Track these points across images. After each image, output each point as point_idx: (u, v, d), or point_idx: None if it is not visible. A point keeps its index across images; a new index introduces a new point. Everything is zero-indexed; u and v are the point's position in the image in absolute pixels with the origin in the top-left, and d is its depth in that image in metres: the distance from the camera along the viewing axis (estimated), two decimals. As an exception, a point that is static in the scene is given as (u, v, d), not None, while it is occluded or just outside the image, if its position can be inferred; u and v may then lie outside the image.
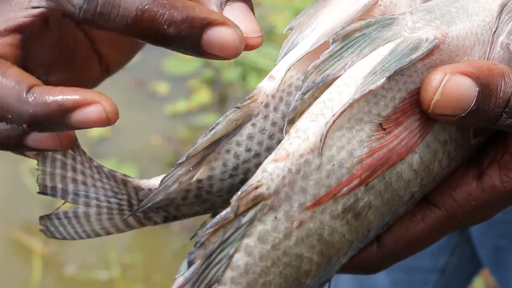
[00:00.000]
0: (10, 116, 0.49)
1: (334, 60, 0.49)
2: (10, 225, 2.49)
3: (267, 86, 0.51)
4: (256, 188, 0.47)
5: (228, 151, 0.51)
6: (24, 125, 0.49)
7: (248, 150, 0.51)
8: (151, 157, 2.78)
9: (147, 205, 0.51)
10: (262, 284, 0.48)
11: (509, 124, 0.50)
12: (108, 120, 0.50)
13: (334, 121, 0.47)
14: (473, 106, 0.48)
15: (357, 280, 1.03)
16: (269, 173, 0.47)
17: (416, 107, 0.50)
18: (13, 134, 0.53)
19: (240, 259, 0.47)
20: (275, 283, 0.48)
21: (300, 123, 0.48)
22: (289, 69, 0.51)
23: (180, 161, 0.50)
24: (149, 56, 3.26)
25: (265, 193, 0.47)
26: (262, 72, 3.00)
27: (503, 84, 0.49)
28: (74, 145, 0.54)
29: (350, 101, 0.47)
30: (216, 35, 0.49)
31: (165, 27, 0.48)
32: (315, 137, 0.47)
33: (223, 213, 0.46)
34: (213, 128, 0.50)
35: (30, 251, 2.39)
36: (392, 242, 0.55)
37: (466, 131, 0.53)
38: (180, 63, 3.24)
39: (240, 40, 0.49)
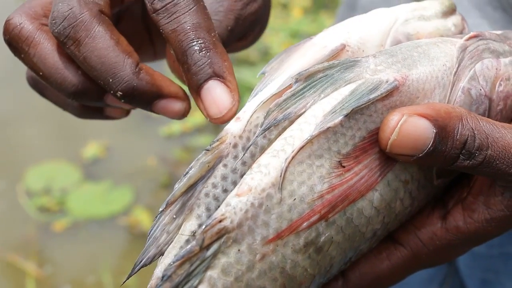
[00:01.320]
0: (110, 80, 0.53)
1: (296, 99, 0.50)
2: (4, 247, 2.48)
3: (234, 127, 0.52)
4: (220, 221, 0.48)
5: (207, 195, 0.51)
6: (119, 93, 0.54)
7: (225, 190, 0.51)
8: (146, 178, 2.78)
9: (141, 263, 0.52)
10: None
11: (467, 165, 0.50)
12: (183, 116, 0.57)
13: (293, 156, 0.49)
14: (430, 147, 0.49)
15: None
16: (232, 206, 0.48)
17: (376, 146, 0.51)
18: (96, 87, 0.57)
19: None
20: None
21: (262, 159, 0.49)
22: (255, 111, 0.52)
23: (160, 209, 0.51)
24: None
25: (228, 226, 0.48)
26: (257, 93, 3.00)
27: (460, 126, 0.50)
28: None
29: (308, 137, 0.49)
30: (215, 88, 0.54)
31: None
32: (276, 172, 0.49)
33: (188, 246, 0.47)
34: (187, 173, 0.51)
35: (24, 273, 2.38)
36: (357, 279, 0.56)
37: (428, 171, 0.54)
38: (176, 83, 3.25)
39: (229, 110, 0.54)
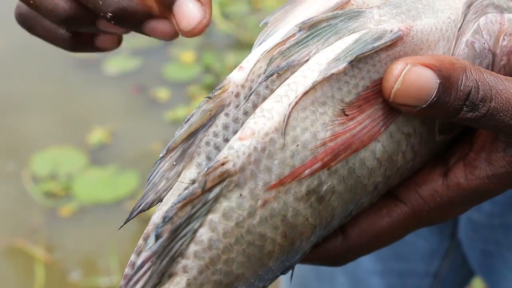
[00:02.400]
0: (100, 2, 0.53)
1: (300, 47, 0.50)
2: (12, 232, 2.50)
3: (236, 76, 0.52)
4: (223, 164, 0.47)
5: (207, 143, 0.51)
6: (109, 14, 0.54)
7: (226, 140, 0.51)
8: (151, 163, 2.78)
9: (139, 208, 0.52)
10: (225, 261, 0.48)
11: (470, 117, 0.50)
12: (172, 37, 0.56)
13: (296, 102, 0.48)
14: (433, 98, 0.49)
15: (352, 285, 1.03)
16: (235, 150, 0.48)
17: (379, 97, 0.50)
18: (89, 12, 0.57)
19: (203, 234, 0.48)
20: (238, 261, 0.49)
21: (266, 104, 0.49)
22: (258, 60, 0.51)
23: (161, 155, 0.50)
24: (149, 62, 3.28)
25: (231, 169, 0.47)
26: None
27: (464, 78, 0.49)
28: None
29: (312, 83, 0.48)
30: (186, 2, 0.54)
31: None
32: (279, 117, 0.48)
33: (190, 188, 0.47)
34: (188, 120, 0.50)
35: (32, 258, 2.39)
36: (357, 235, 0.56)
37: (431, 126, 0.54)
38: (180, 69, 3.25)
39: (199, 23, 0.54)
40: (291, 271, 0.55)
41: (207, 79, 3.18)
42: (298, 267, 0.58)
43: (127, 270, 0.49)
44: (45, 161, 2.76)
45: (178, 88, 3.18)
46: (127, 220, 0.52)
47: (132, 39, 3.50)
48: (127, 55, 3.40)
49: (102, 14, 0.55)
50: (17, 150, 2.88)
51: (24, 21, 0.62)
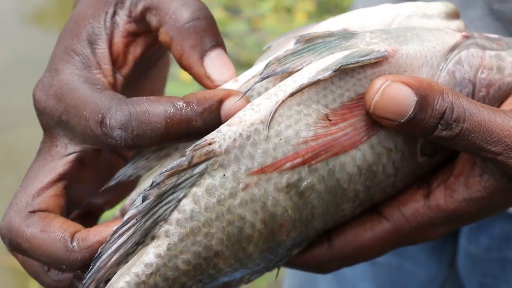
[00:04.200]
0: (64, 267, 0.54)
1: (296, 57, 0.54)
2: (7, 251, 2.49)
3: (230, 87, 0.57)
4: (210, 144, 0.51)
5: None
6: (78, 271, 0.54)
7: None
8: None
9: (118, 178, 0.58)
10: (205, 234, 0.52)
11: (444, 136, 0.53)
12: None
13: (283, 100, 0.52)
14: (411, 114, 0.52)
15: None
16: (222, 133, 0.51)
17: (362, 109, 0.54)
18: (65, 280, 0.57)
19: (187, 204, 0.51)
20: (218, 237, 0.52)
21: (256, 100, 0.53)
22: (254, 76, 0.56)
23: None
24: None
25: (217, 150, 0.51)
26: (261, 97, 3.01)
27: (440, 98, 0.53)
28: None
29: (299, 85, 0.52)
30: (228, 108, 0.55)
31: (193, 123, 0.54)
32: (266, 111, 0.52)
33: (178, 160, 0.51)
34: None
35: (27, 277, 2.38)
36: (342, 244, 0.59)
37: (413, 146, 0.58)
38: (179, 86, 3.26)
39: (244, 99, 0.55)
40: (277, 270, 0.59)
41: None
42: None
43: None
44: (43, 176, 2.76)
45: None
46: (106, 187, 0.58)
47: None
48: (127, 72, 3.41)
49: (74, 272, 0.56)
50: (17, 164, 2.87)
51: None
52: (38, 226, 0.55)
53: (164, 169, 0.51)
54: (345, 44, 0.55)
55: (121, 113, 0.53)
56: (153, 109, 0.54)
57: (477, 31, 0.62)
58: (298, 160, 0.53)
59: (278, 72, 0.54)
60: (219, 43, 0.59)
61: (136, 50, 0.61)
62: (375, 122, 0.55)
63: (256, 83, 0.54)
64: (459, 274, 0.96)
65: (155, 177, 0.51)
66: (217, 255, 0.53)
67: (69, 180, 0.58)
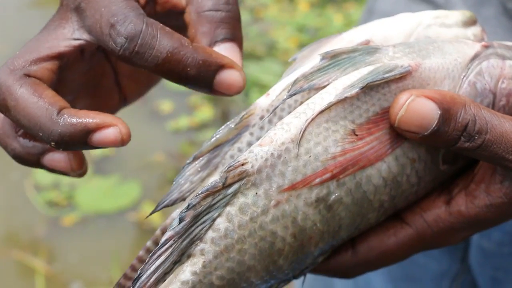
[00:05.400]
0: (41, 134, 0.56)
1: (322, 73, 0.57)
2: (14, 242, 2.50)
3: (263, 102, 0.59)
4: (242, 164, 0.53)
5: (232, 156, 0.58)
6: (52, 143, 0.56)
7: None
8: (153, 173, 2.79)
9: (164, 203, 0.58)
10: (238, 251, 0.54)
11: (467, 147, 0.55)
12: (122, 141, 0.56)
13: (313, 119, 0.54)
14: (434, 127, 0.54)
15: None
16: (254, 154, 0.54)
17: (387, 122, 0.56)
18: (34, 152, 0.60)
19: (221, 223, 0.54)
20: (250, 253, 0.54)
21: (286, 118, 0.55)
22: (284, 89, 0.58)
23: (188, 161, 0.58)
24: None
25: (249, 170, 0.53)
26: (264, 88, 3.01)
27: (463, 111, 0.55)
28: (83, 167, 0.61)
29: (327, 103, 0.55)
30: (225, 76, 0.57)
31: (188, 69, 0.56)
32: (296, 130, 0.54)
33: (213, 182, 0.53)
34: (215, 135, 0.58)
35: (33, 270, 2.39)
36: (365, 251, 0.61)
37: (435, 155, 0.59)
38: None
39: (243, 81, 0.57)
40: (303, 277, 0.61)
41: (209, 89, 3.19)
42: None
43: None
44: (47, 170, 2.76)
45: (180, 98, 3.19)
46: (152, 212, 0.59)
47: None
48: (129, 64, 3.41)
49: (48, 144, 0.56)
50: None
51: None
52: (30, 89, 0.56)
53: (200, 191, 0.53)
54: (369, 59, 0.57)
55: (133, 26, 0.55)
56: (162, 38, 0.55)
57: (491, 30, 0.63)
58: (327, 175, 0.55)
59: (305, 89, 0.56)
60: (234, 38, 0.60)
61: None
62: (399, 134, 0.56)
63: (284, 100, 0.56)
64: (471, 268, 0.97)
65: (191, 199, 0.53)
66: (250, 269, 0.55)
67: (65, 63, 0.59)
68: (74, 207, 2.63)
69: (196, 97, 3.17)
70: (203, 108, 3.14)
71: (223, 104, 3.16)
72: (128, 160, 2.84)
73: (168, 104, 3.14)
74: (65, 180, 2.71)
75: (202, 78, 0.56)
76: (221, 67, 0.57)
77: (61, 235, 2.52)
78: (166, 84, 3.09)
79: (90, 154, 2.85)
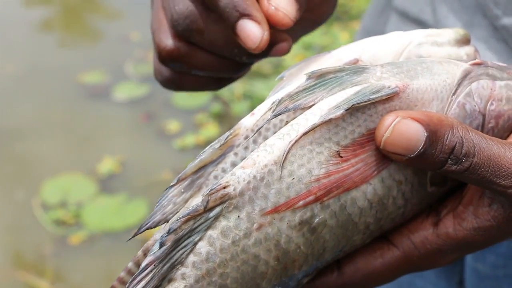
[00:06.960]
0: (236, 50, 0.63)
1: (307, 93, 0.55)
2: (21, 260, 2.49)
3: (247, 121, 0.57)
4: (224, 187, 0.52)
5: (215, 177, 0.56)
6: (245, 56, 0.65)
7: None
8: (161, 192, 2.78)
9: (147, 225, 0.56)
10: (220, 274, 0.53)
11: (454, 170, 0.54)
12: (257, 47, 0.61)
13: (296, 141, 0.53)
14: (421, 149, 0.53)
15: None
16: (236, 176, 0.53)
17: (373, 144, 0.55)
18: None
19: (203, 247, 0.53)
20: (232, 277, 0.53)
21: (269, 140, 0.54)
22: (270, 108, 0.57)
23: (171, 183, 0.56)
24: (158, 88, 3.29)
25: (231, 193, 0.52)
26: (270, 105, 3.00)
27: (450, 133, 0.54)
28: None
29: (311, 125, 0.53)
30: (245, 25, 0.60)
31: (218, 1, 0.60)
32: (280, 152, 0.53)
33: (194, 205, 0.52)
34: (199, 156, 0.56)
35: (40, 288, 2.39)
36: (351, 272, 0.60)
37: (422, 177, 0.58)
38: (188, 96, 3.27)
39: (261, 40, 0.60)
40: None
41: (215, 107, 3.20)
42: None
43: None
44: (55, 188, 2.78)
45: (186, 115, 3.20)
46: (135, 235, 0.57)
47: (140, 66, 3.52)
48: (136, 81, 3.42)
49: (238, 58, 0.65)
50: (28, 177, 2.88)
51: (172, 82, 0.69)
52: None
53: (181, 215, 0.52)
54: (356, 79, 0.56)
55: None
56: None
57: (481, 52, 0.62)
58: (311, 198, 0.54)
59: (290, 109, 0.55)
60: None
61: None
62: (385, 156, 0.55)
63: (268, 120, 0.55)
64: None
65: (172, 224, 0.52)
66: None
67: None
68: (81, 226, 2.63)
69: (202, 115, 3.18)
70: (209, 126, 3.14)
71: (229, 122, 3.16)
72: (135, 179, 2.84)
73: (175, 124, 3.14)
74: (72, 198, 2.71)
75: (226, 14, 0.60)
76: (244, 15, 0.60)
77: (69, 253, 2.52)
78: (173, 102, 3.09)
79: (96, 173, 2.85)
